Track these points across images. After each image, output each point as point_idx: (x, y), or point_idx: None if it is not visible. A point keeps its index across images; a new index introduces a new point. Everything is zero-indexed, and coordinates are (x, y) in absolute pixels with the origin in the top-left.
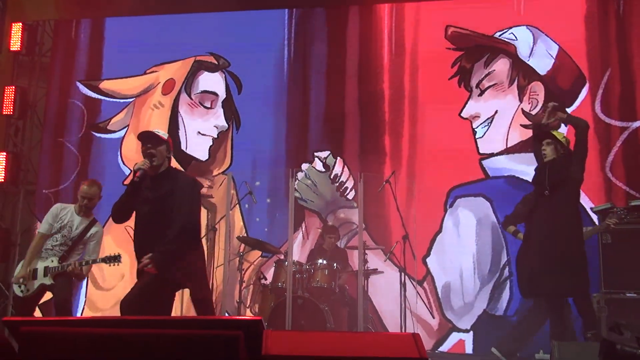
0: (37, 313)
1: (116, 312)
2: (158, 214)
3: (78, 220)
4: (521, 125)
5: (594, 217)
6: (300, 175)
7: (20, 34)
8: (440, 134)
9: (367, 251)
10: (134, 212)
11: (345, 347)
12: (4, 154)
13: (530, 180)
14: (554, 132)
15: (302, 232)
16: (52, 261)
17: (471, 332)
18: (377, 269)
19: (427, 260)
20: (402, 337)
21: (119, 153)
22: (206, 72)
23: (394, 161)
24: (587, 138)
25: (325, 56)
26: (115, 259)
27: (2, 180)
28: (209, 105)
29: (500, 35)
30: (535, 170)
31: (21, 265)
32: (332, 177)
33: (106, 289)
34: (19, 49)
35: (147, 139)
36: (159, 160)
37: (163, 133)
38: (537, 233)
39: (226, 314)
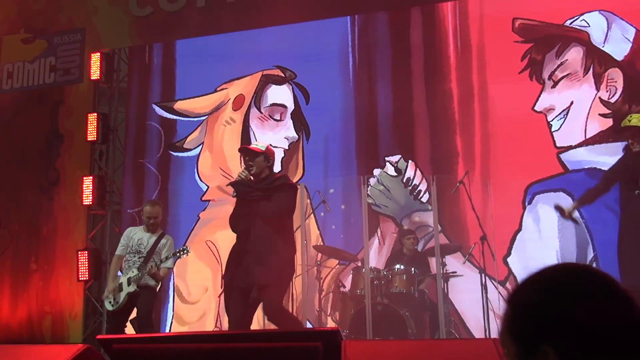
0: (129, 329)
1: (202, 326)
2: (252, 216)
3: (148, 236)
4: (600, 114)
5: None
6: (372, 181)
7: (98, 63)
8: (514, 130)
9: (446, 254)
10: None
11: (422, 356)
12: (91, 178)
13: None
14: (636, 119)
15: (377, 237)
16: (133, 271)
17: None
18: (456, 272)
19: (508, 260)
20: (482, 343)
21: (195, 170)
22: (274, 85)
23: (467, 161)
24: None
25: (390, 60)
26: (182, 250)
27: (90, 202)
28: (278, 118)
29: (571, 23)
30: (619, 162)
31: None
32: (404, 180)
33: (192, 303)
34: (98, 77)
35: (245, 153)
36: (257, 169)
37: (261, 145)
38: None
39: (307, 324)
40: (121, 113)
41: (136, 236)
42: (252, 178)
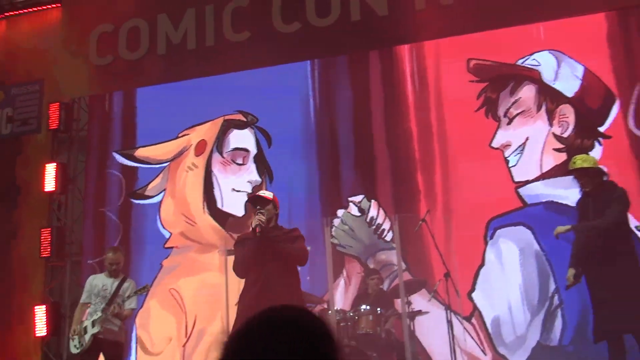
0: None
1: None
2: (269, 262)
3: (111, 281)
4: (554, 149)
5: None
6: (336, 221)
7: (57, 112)
8: (473, 166)
9: (411, 292)
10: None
11: None
12: (49, 229)
13: (572, 205)
14: (580, 160)
15: (343, 278)
16: (98, 314)
17: None
18: (421, 310)
19: (473, 295)
20: None
21: (157, 217)
22: (236, 130)
23: (429, 199)
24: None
25: (351, 101)
26: (144, 288)
27: (48, 254)
28: (241, 162)
29: (523, 63)
30: (577, 204)
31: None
32: (368, 220)
33: (155, 354)
34: (56, 126)
35: (256, 201)
36: (268, 215)
37: (268, 194)
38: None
39: None
40: (81, 162)
41: (99, 282)
42: (262, 225)
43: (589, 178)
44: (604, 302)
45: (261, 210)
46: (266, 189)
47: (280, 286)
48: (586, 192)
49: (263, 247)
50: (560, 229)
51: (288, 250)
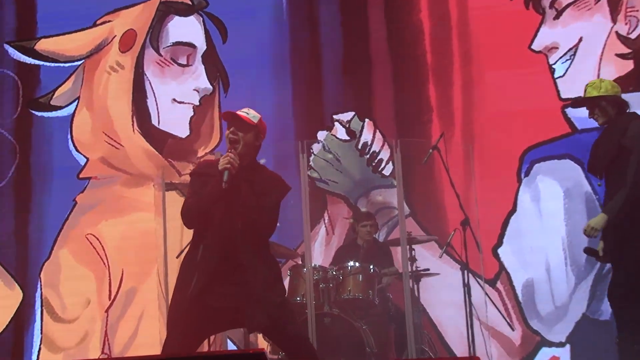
0: None
1: (83, 352)
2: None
3: None
4: (616, 55)
5: None
6: (316, 147)
7: None
8: (505, 77)
9: (415, 245)
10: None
11: None
12: None
13: None
14: (590, 88)
15: (325, 225)
16: None
17: (568, 346)
18: (429, 269)
19: (499, 251)
20: None
21: (69, 136)
22: (177, 17)
23: (444, 119)
24: None
25: None
26: None
27: None
28: (184, 62)
29: None
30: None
31: None
32: (359, 147)
33: (68, 321)
34: None
35: (232, 121)
36: (243, 148)
37: (253, 115)
38: None
39: (229, 344)
40: None
41: None
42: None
43: (602, 110)
44: None
45: (234, 137)
46: (219, 102)
47: (248, 257)
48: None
49: (230, 198)
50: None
51: (261, 221)
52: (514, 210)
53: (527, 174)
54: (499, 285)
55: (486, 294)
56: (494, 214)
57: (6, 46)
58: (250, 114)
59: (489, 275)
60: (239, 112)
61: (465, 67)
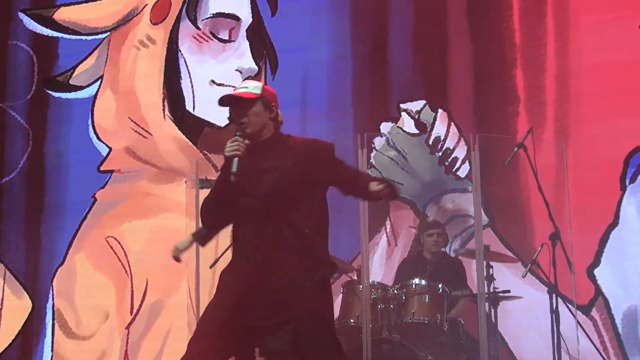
0: None
1: None
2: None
3: None
4: None
5: None
6: (378, 142)
7: None
8: (612, 62)
9: (493, 262)
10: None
11: None
12: None
13: None
14: None
15: (385, 235)
16: None
17: None
18: (509, 291)
19: (596, 272)
20: None
21: (89, 121)
22: None
23: (533, 112)
24: None
25: None
26: None
27: None
28: (226, 37)
29: None
30: None
31: None
32: (431, 142)
33: (82, 337)
34: None
35: (230, 104)
36: (253, 126)
37: (253, 87)
38: None
39: None
40: None
41: None
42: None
43: None
44: None
45: (241, 119)
46: (265, 83)
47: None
48: None
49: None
50: None
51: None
52: (615, 223)
53: (632, 180)
54: (594, 312)
55: (578, 322)
56: (591, 227)
57: (20, 14)
58: (249, 87)
59: (582, 301)
60: (235, 92)
61: (560, 51)
